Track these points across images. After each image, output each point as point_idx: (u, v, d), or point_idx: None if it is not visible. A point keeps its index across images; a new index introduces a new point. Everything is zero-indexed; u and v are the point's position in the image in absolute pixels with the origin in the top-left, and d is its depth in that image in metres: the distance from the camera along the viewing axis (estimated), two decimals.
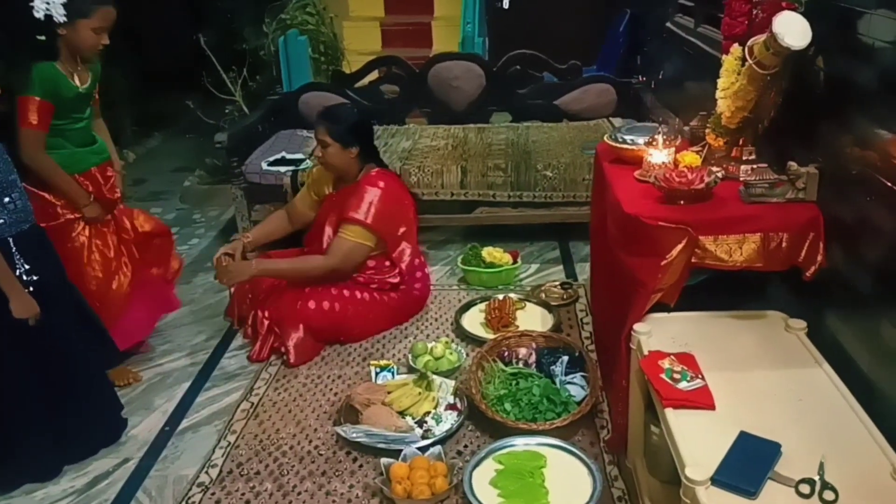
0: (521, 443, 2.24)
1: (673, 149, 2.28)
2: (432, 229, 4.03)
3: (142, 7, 5.87)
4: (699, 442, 1.54)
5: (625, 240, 2.12)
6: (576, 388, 2.51)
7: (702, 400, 1.68)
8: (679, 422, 1.62)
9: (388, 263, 3.05)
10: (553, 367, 2.58)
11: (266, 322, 2.92)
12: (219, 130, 4.17)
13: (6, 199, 2.11)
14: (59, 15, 2.41)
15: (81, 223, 2.63)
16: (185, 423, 2.57)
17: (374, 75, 4.85)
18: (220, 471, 2.28)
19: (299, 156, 3.98)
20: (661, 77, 4.39)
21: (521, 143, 4.18)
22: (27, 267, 2.17)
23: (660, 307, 2.03)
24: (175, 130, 6.50)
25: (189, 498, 2.17)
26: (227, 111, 5.16)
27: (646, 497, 1.99)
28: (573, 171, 3.80)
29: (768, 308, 2.05)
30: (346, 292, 2.96)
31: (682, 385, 1.71)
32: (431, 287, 3.48)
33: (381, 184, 2.96)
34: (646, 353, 1.88)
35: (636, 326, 1.98)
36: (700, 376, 1.75)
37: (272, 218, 3.29)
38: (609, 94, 4.62)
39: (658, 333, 1.95)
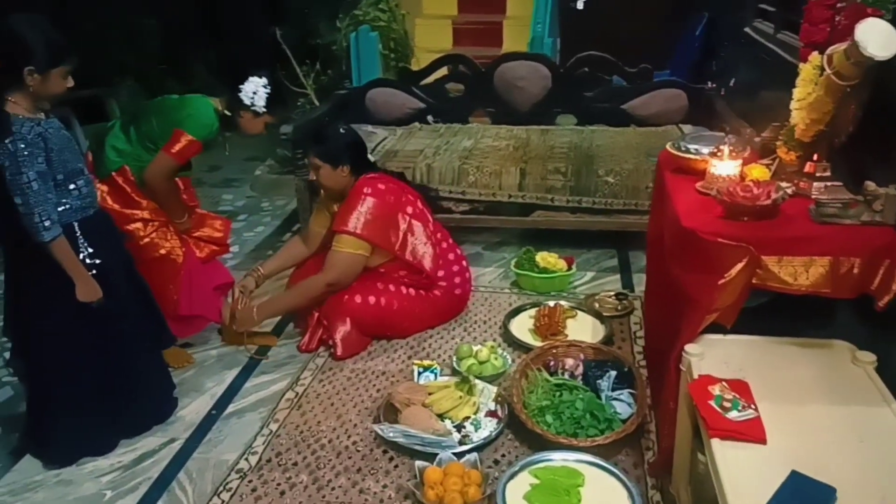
0: (559, 458, 2.17)
1: (740, 161, 2.16)
2: (488, 230, 3.99)
3: (224, 2, 6.05)
4: (746, 478, 1.45)
5: (681, 255, 2.03)
6: (622, 405, 2.42)
7: (752, 432, 1.58)
8: (726, 454, 1.53)
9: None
10: (600, 381, 2.49)
11: (315, 314, 2.95)
12: (288, 122, 4.24)
13: (72, 186, 2.16)
14: (259, 106, 2.69)
15: (153, 224, 2.72)
16: (231, 408, 2.60)
17: (441, 72, 4.83)
18: (260, 459, 2.30)
19: None
20: (732, 84, 4.22)
21: (584, 146, 4.08)
22: (90, 251, 2.21)
23: (715, 328, 1.93)
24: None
25: (227, 483, 2.20)
26: (299, 103, 5.25)
27: None
28: (636, 178, 3.69)
29: (834, 337, 1.93)
30: (391, 287, 2.95)
31: (733, 415, 1.62)
32: (482, 288, 3.46)
33: (367, 189, 2.91)
34: (696, 376, 1.80)
35: (688, 347, 1.89)
36: (753, 406, 1.65)
37: (287, 246, 3.26)
38: (680, 99, 4.46)
39: (711, 356, 1.86)
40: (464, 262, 3.20)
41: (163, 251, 2.72)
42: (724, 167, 2.14)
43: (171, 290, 2.73)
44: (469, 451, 2.23)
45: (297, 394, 2.65)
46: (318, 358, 2.89)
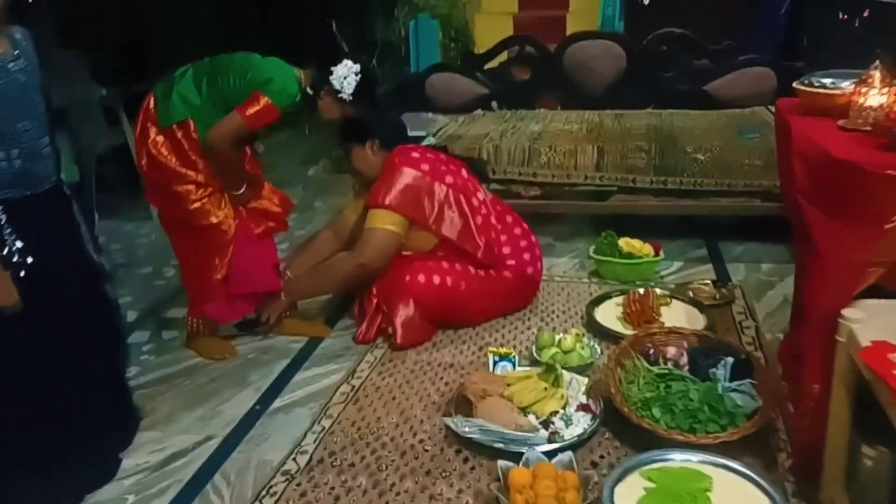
0: (679, 458, 1.76)
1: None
2: (559, 220, 3.61)
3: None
4: None
5: (827, 196, 1.63)
6: (744, 397, 1.99)
7: None
8: None
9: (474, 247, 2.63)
10: (714, 370, 2.08)
11: (374, 300, 2.61)
12: None
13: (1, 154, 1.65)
14: (346, 93, 2.41)
15: (207, 189, 2.42)
16: (277, 403, 2.27)
17: (504, 56, 4.51)
18: (310, 459, 1.95)
19: (421, 133, 3.69)
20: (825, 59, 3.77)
21: (664, 128, 3.68)
22: (19, 245, 1.69)
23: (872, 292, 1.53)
24: (302, 130, 6.44)
25: (271, 487, 1.85)
26: None
27: None
28: (729, 155, 3.27)
29: None
30: (458, 266, 2.59)
31: None
32: (557, 279, 3.08)
33: (398, 160, 2.59)
34: (865, 344, 1.39)
35: (846, 312, 1.50)
36: None
37: (316, 240, 2.87)
38: (768, 79, 4.05)
39: (874, 324, 1.45)
40: (532, 238, 2.82)
41: (213, 220, 2.41)
42: (876, 97, 1.73)
43: (217, 266, 2.43)
44: (562, 450, 1.84)
45: (354, 387, 2.30)
46: (377, 349, 2.55)
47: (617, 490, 1.66)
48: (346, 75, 2.39)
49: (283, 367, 2.48)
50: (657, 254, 3.07)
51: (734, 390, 2.01)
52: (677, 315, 2.62)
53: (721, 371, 2.06)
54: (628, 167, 3.33)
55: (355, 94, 2.42)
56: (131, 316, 2.96)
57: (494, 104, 4.30)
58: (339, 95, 2.42)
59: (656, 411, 1.94)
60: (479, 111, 4.20)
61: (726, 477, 1.71)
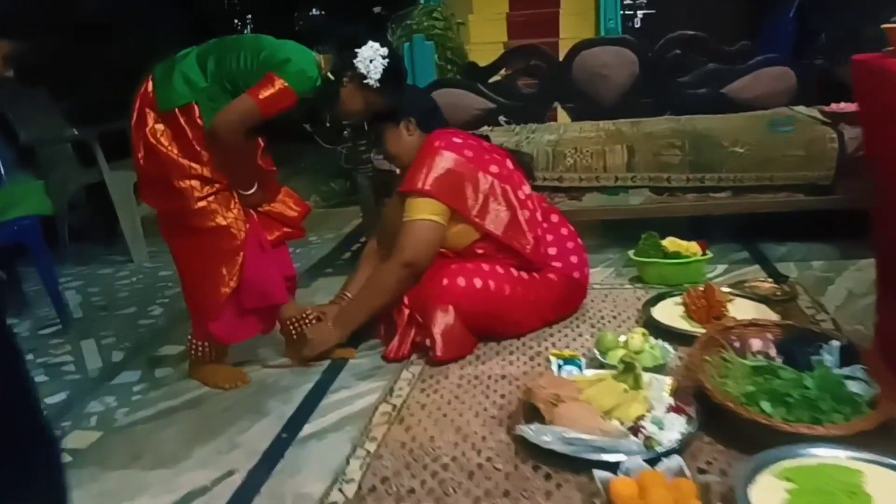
0: (819, 453, 1.46)
1: None
2: (584, 231, 3.32)
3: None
4: None
5: None
6: (859, 384, 1.71)
7: None
8: None
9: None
10: (817, 356, 1.80)
11: (406, 311, 2.30)
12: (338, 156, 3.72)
13: None
14: (372, 78, 2.13)
15: (214, 185, 2.11)
16: (307, 430, 1.93)
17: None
18: (359, 487, 1.62)
19: None
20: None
21: (687, 130, 3.47)
22: None
23: None
24: (295, 169, 6.21)
25: None
26: (345, 134, 4.80)
27: None
28: (769, 149, 3.06)
29: None
30: (499, 269, 2.31)
31: None
32: (597, 286, 2.80)
33: (438, 143, 2.34)
34: None
35: None
36: None
37: (366, 257, 2.62)
38: (787, 78, 3.85)
39: None
40: (578, 240, 2.55)
41: (221, 221, 2.09)
42: None
43: (224, 277, 2.10)
44: (668, 454, 1.53)
45: (395, 406, 1.98)
46: (413, 366, 2.23)
47: (751, 493, 1.35)
48: (372, 58, 2.10)
49: (306, 392, 2.15)
50: (704, 252, 2.81)
51: (847, 377, 1.73)
52: (746, 311, 2.33)
53: (830, 356, 1.78)
54: (661, 165, 3.10)
55: (382, 79, 2.14)
56: (116, 356, 2.63)
57: (502, 118, 4.07)
58: (365, 81, 2.13)
59: (765, 405, 1.65)
60: (486, 127, 3.97)
61: (876, 471, 1.41)
